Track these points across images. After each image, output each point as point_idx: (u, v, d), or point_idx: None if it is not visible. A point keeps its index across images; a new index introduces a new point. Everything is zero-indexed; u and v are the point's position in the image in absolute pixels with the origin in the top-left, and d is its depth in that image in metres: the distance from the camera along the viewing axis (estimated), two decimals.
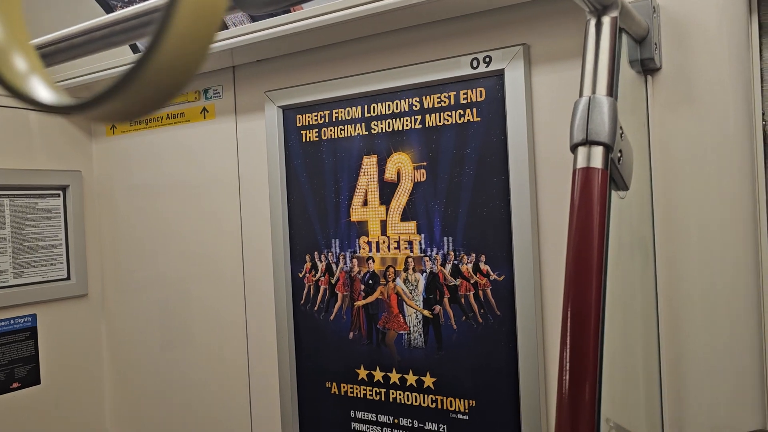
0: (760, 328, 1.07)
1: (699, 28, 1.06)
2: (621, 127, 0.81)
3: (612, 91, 0.79)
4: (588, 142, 0.76)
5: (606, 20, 0.82)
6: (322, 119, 1.64)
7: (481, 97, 1.41)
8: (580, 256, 0.72)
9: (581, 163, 0.76)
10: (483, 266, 1.42)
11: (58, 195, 2.04)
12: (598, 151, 0.76)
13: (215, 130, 1.85)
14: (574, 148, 0.77)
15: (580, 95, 0.79)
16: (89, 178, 2.11)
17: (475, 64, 1.40)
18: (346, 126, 1.60)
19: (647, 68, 1.04)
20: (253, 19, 1.59)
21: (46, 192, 2.00)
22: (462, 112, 1.44)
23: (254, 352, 1.80)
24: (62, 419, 2.02)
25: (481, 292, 1.43)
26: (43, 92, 0.31)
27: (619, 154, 0.80)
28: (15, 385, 1.91)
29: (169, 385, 2.00)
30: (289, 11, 1.45)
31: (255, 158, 1.77)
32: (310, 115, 1.66)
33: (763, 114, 1.12)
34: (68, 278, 2.05)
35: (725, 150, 1.06)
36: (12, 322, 1.91)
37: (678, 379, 1.06)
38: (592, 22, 0.83)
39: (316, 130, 1.65)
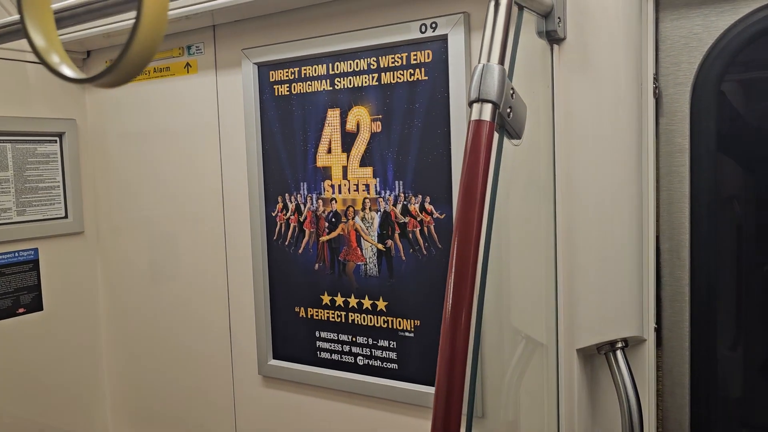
0: (641, 252, 1.31)
1: (599, 3, 1.26)
2: (513, 89, 1.03)
3: (502, 59, 1.00)
4: (480, 100, 0.97)
5: (502, 1, 1.03)
6: (293, 75, 1.84)
7: (428, 58, 1.62)
8: (468, 188, 0.94)
9: (474, 117, 0.97)
10: (428, 206, 1.65)
11: (55, 141, 2.24)
12: (487, 108, 0.97)
13: (197, 84, 2.05)
14: (470, 105, 0.98)
15: (478, 62, 1.00)
16: (83, 126, 2.31)
17: (423, 29, 1.60)
18: (313, 82, 1.81)
19: (552, 38, 1.24)
20: None
21: (44, 138, 2.20)
22: (412, 72, 1.64)
23: (233, 283, 2.04)
24: (62, 341, 2.27)
25: (425, 228, 1.66)
26: (69, 72, 0.52)
27: (508, 110, 1.02)
28: (21, 310, 2.15)
29: (158, 311, 2.24)
30: None
31: (233, 110, 1.97)
32: (282, 71, 1.86)
33: (654, 78, 1.34)
34: (66, 217, 2.27)
35: (617, 107, 1.28)
36: (16, 254, 2.14)
37: (571, 293, 1.30)
38: (492, 3, 1.03)
39: (287, 85, 1.85)
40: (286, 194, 1.89)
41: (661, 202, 1.38)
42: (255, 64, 1.90)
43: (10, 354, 2.14)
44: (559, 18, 1.23)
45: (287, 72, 1.85)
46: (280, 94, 1.87)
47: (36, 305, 2.19)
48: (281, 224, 1.91)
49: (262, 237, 1.94)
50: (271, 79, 1.88)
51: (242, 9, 1.81)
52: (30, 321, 2.18)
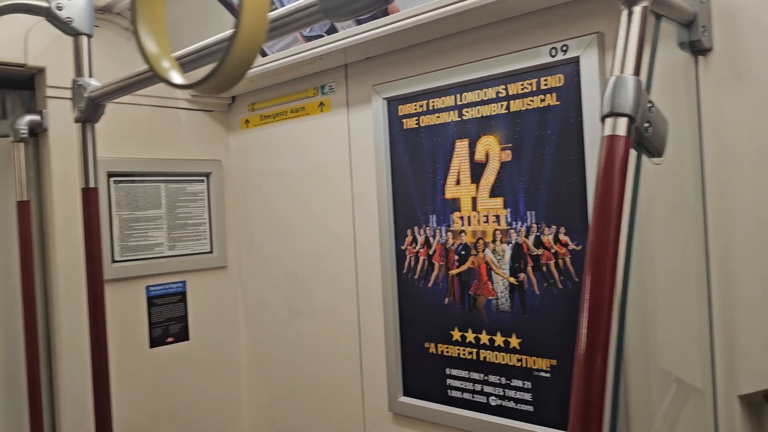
0: None
1: (750, 9, 1.13)
2: (651, 102, 0.94)
3: (638, 71, 0.91)
4: (613, 114, 0.89)
5: (636, 9, 0.95)
6: (421, 108, 1.84)
7: (559, 82, 1.54)
8: (602, 211, 0.86)
9: (607, 132, 0.89)
10: (562, 237, 1.56)
11: (203, 180, 2.40)
12: (622, 122, 0.89)
13: (330, 122, 2.11)
14: (602, 119, 0.91)
15: (611, 74, 0.93)
16: (227, 166, 2.46)
17: (553, 53, 1.53)
18: (440, 114, 1.79)
19: (696, 49, 1.13)
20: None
21: (193, 178, 2.37)
22: (543, 97, 1.58)
23: (364, 317, 2.04)
24: (206, 370, 2.39)
25: (560, 261, 1.56)
26: (177, 78, 0.54)
27: (647, 125, 0.93)
28: (170, 339, 2.29)
29: (292, 344, 2.30)
30: (377, 16, 1.66)
31: (363, 145, 2.00)
32: (410, 104, 1.87)
33: None
34: (211, 252, 2.41)
35: None
36: (167, 287, 2.29)
37: (729, 331, 1.15)
38: (625, 12, 0.96)
39: (416, 118, 1.85)
40: (415, 227, 1.87)
41: None
42: (384, 99, 1.92)
43: (158, 380, 2.28)
44: (703, 27, 1.12)
45: (415, 105, 1.85)
46: (408, 127, 1.87)
47: (183, 335, 2.33)
48: (410, 257, 1.89)
49: (392, 271, 1.93)
50: (399, 113, 1.90)
51: (372, 46, 1.85)
52: (177, 349, 2.32)
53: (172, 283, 2.30)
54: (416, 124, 1.85)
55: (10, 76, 2.06)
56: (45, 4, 1.53)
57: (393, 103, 1.91)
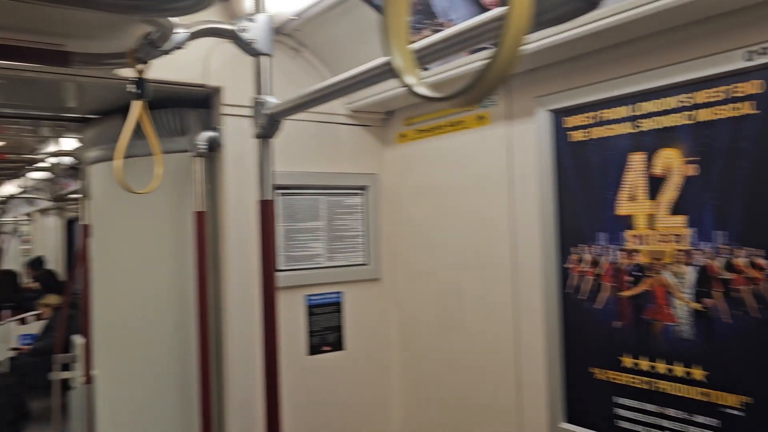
0: None
1: None
2: None
3: None
4: None
5: None
6: (590, 120, 1.75)
7: (757, 89, 1.40)
8: None
9: None
10: (760, 260, 1.40)
11: (359, 194, 2.45)
12: None
13: (489, 135, 2.07)
14: None
15: None
16: (383, 180, 2.49)
17: (749, 57, 1.39)
18: (613, 125, 1.69)
19: None
20: None
21: (350, 191, 2.42)
22: (736, 106, 1.44)
23: (522, 337, 1.97)
24: (359, 381, 2.43)
25: (758, 287, 1.41)
26: (424, 91, 0.54)
27: None
28: (326, 348, 2.35)
29: (445, 358, 2.27)
30: None
31: (525, 158, 1.94)
32: (577, 116, 1.78)
33: None
34: (366, 264, 2.45)
35: None
36: (325, 296, 2.35)
37: None
38: None
39: (584, 130, 1.76)
40: (582, 245, 1.78)
41: None
42: (549, 111, 1.85)
43: (314, 387, 2.33)
44: None
45: (583, 117, 1.77)
46: (575, 139, 1.79)
47: (338, 344, 2.38)
48: (576, 276, 1.80)
49: (556, 290, 1.84)
50: (564, 125, 1.82)
51: (536, 56, 1.79)
52: (333, 358, 2.37)
53: (329, 293, 2.36)
54: (584, 136, 1.77)
55: (190, 95, 2.21)
56: (231, 27, 1.62)
57: (558, 114, 1.84)
